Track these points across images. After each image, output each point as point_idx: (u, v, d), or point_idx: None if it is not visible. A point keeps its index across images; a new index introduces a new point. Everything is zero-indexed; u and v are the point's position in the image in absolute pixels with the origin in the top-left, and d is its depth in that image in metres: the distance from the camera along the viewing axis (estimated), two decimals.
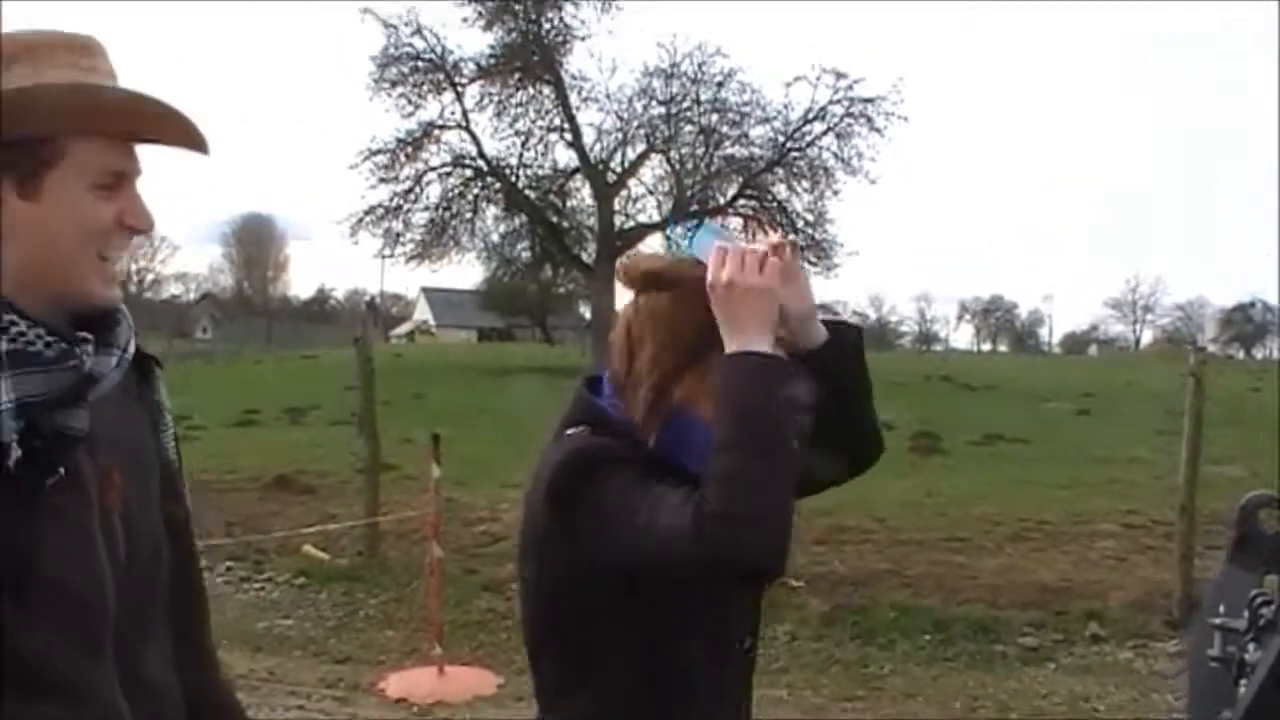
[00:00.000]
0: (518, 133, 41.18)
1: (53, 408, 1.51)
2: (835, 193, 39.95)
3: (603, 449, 1.96)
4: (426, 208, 41.33)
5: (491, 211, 42.35)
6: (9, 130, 1.51)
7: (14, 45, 1.55)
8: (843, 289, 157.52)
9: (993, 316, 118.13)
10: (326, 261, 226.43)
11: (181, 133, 1.67)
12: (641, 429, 2.00)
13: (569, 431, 2.02)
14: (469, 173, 41.43)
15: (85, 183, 1.57)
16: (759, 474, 1.80)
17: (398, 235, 41.38)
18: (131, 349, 1.69)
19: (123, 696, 1.63)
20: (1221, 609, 1.59)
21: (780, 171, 40.28)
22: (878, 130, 38.74)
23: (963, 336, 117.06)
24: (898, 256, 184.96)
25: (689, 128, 40.31)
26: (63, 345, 1.52)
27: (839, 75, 38.61)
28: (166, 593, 1.78)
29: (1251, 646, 1.51)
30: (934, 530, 10.69)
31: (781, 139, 39.63)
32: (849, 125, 38.91)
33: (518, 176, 41.41)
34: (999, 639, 7.95)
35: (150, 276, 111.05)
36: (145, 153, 1.68)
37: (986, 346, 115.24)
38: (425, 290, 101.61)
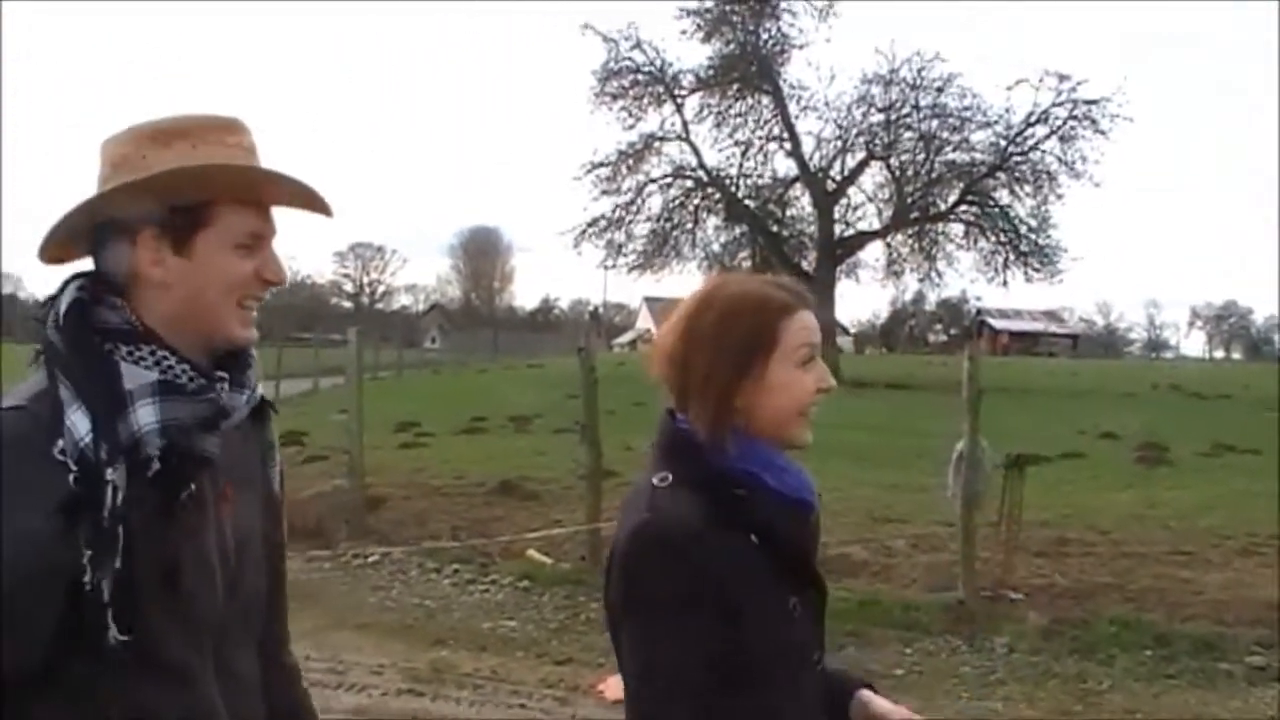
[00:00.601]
0: (737, 143, 41.42)
1: (190, 433, 1.78)
2: (1059, 197, 39.15)
3: (666, 535, 1.98)
4: (648, 218, 41.85)
5: (712, 221, 42.67)
6: (171, 199, 1.80)
7: (173, 128, 1.84)
8: (1068, 295, 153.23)
9: (1226, 323, 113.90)
10: (550, 272, 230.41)
11: (307, 200, 1.95)
12: (709, 441, 2.05)
13: (655, 480, 2.06)
14: (689, 183, 41.78)
15: (229, 243, 1.85)
16: None
17: (620, 246, 41.99)
18: (260, 390, 1.98)
19: (216, 687, 1.89)
20: None
21: (1002, 176, 39.56)
22: (1102, 132, 37.87)
23: (1194, 344, 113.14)
24: (1126, 261, 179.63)
25: (909, 134, 39.89)
26: (203, 380, 1.81)
27: (1062, 77, 37.89)
28: (262, 604, 2.06)
29: None
30: (1158, 543, 10.37)
31: (1003, 143, 38.97)
32: (1072, 128, 38.05)
33: (737, 186, 41.59)
34: (1224, 657, 7.66)
35: (381, 288, 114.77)
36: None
37: (1219, 354, 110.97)
38: (647, 299, 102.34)
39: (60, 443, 1.69)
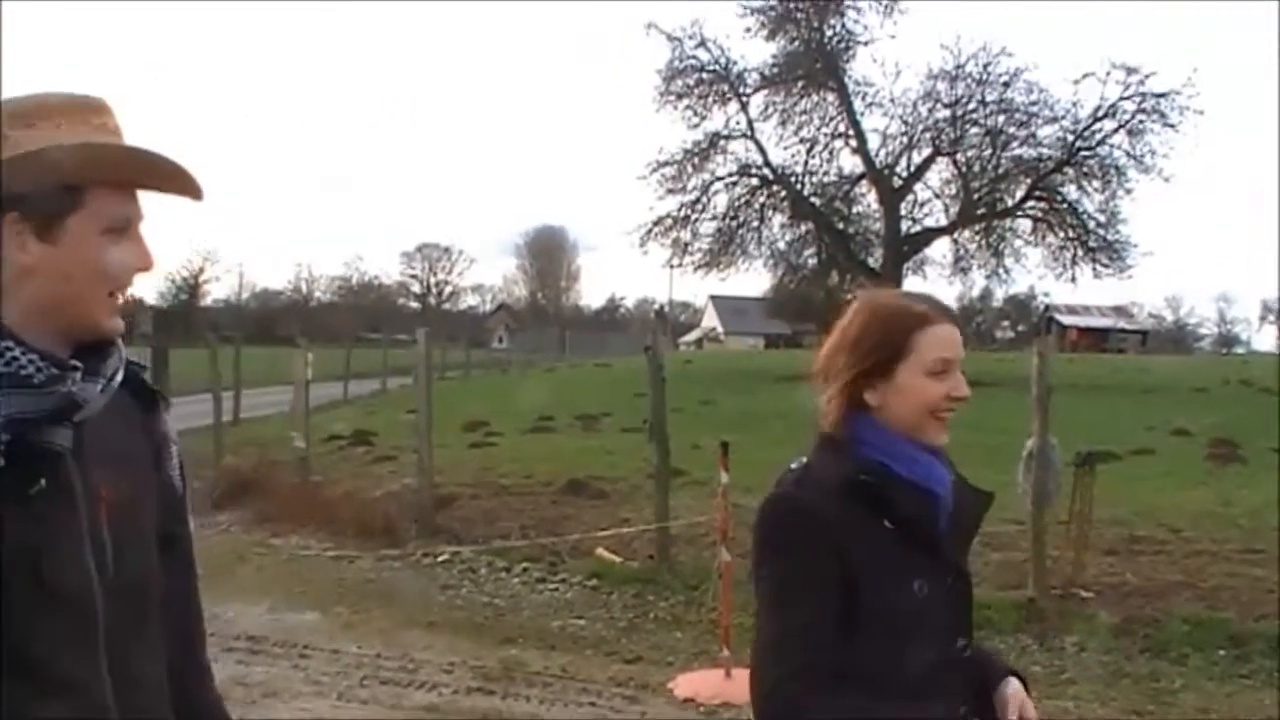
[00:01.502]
0: (802, 140, 41.22)
1: (39, 425, 1.69)
2: (1128, 191, 38.58)
3: (790, 506, 2.27)
4: (714, 217, 41.74)
5: (778, 219, 42.48)
6: (33, 183, 1.70)
7: (35, 107, 1.75)
8: (1138, 291, 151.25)
9: None
10: (616, 271, 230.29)
11: (178, 181, 1.85)
12: (837, 430, 2.30)
13: (791, 465, 2.33)
14: (755, 181, 41.63)
15: (98, 228, 1.75)
16: None
17: (686, 245, 41.88)
18: (118, 378, 1.85)
19: (111, 692, 1.79)
20: None
21: (1070, 171, 39.10)
22: (1171, 126, 37.25)
23: (1266, 338, 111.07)
24: (1196, 256, 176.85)
25: (975, 129, 39.55)
26: (53, 371, 1.70)
27: (1130, 70, 37.32)
28: (157, 604, 1.94)
29: None
30: (1230, 541, 10.23)
31: (1071, 138, 38.50)
32: (1141, 122, 37.51)
33: (803, 184, 41.42)
34: None
35: (448, 289, 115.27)
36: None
37: None
38: (713, 298, 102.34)
39: None
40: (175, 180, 1.85)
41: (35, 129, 1.73)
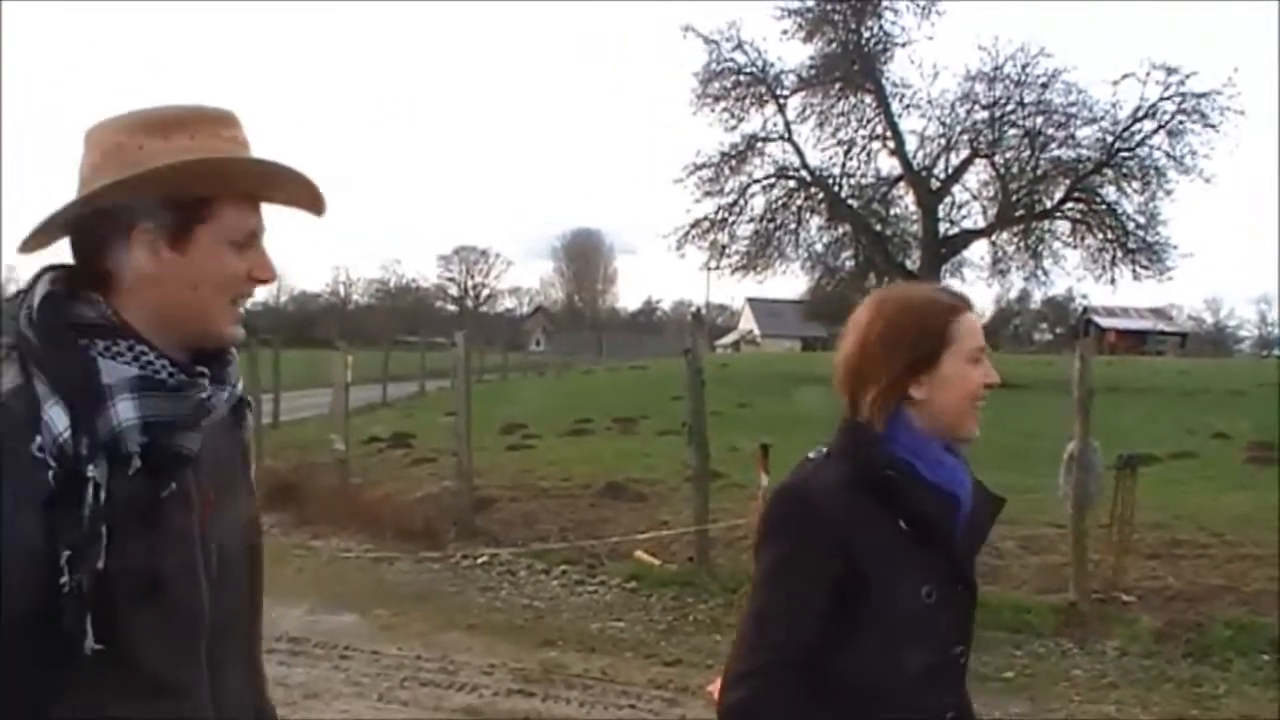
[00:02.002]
0: (840, 142, 41.16)
1: (172, 430, 1.73)
2: (1168, 193, 38.33)
3: (803, 494, 2.23)
4: (751, 219, 41.70)
5: (815, 221, 42.40)
6: (166, 193, 1.75)
7: (170, 120, 1.79)
8: (1177, 293, 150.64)
9: None
10: (653, 274, 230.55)
11: (302, 195, 1.92)
12: (872, 422, 2.24)
13: (811, 455, 2.31)
14: (792, 184, 41.59)
15: (225, 239, 1.80)
16: None
17: (723, 247, 41.88)
18: (240, 386, 1.93)
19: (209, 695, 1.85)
20: None
21: (1109, 173, 38.85)
22: (1212, 126, 36.96)
23: None
24: (1236, 257, 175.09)
25: (1013, 131, 39.39)
26: (184, 377, 1.76)
27: (1170, 70, 37.08)
28: (248, 613, 2.02)
29: None
30: (1272, 545, 10.11)
31: (1110, 139, 38.27)
32: (1181, 122, 37.25)
33: (841, 186, 41.34)
34: None
35: (486, 291, 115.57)
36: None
37: None
38: (750, 301, 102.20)
39: (38, 439, 1.64)
40: (300, 195, 1.91)
41: (170, 141, 1.76)
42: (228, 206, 1.80)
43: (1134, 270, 39.47)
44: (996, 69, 38.92)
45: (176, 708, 1.79)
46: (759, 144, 41.11)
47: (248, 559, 2.02)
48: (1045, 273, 42.21)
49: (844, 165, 41.38)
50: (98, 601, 1.65)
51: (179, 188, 1.75)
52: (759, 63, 40.55)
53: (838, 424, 2.31)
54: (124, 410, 1.69)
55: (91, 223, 1.77)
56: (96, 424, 1.67)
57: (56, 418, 1.65)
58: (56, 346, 1.70)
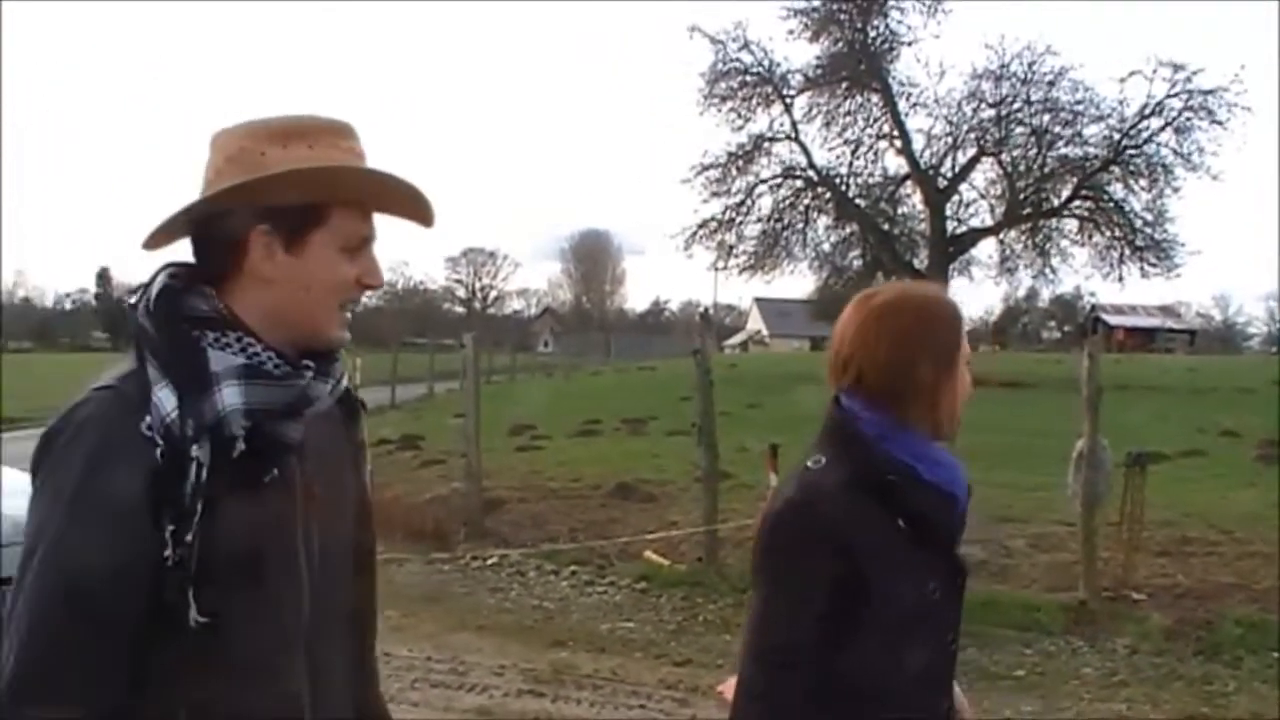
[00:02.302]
0: (847, 142, 41.18)
1: (275, 417, 1.82)
2: (1175, 190, 38.30)
3: (807, 506, 2.19)
4: (758, 219, 41.74)
5: (823, 221, 42.43)
6: (285, 199, 1.84)
7: (291, 129, 1.88)
8: (1186, 290, 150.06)
9: None
10: (661, 275, 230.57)
11: (413, 206, 1.99)
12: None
13: (809, 463, 2.24)
14: (799, 183, 41.61)
15: (338, 245, 1.89)
16: None
17: (730, 247, 41.92)
18: (344, 381, 2.01)
19: (307, 689, 1.91)
20: None
21: (1116, 170, 38.83)
22: (1219, 123, 36.93)
23: None
24: (1245, 254, 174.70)
25: (1020, 129, 39.36)
26: (288, 368, 1.85)
27: (1176, 67, 37.05)
28: (349, 608, 2.08)
29: None
30: None
31: (1117, 136, 38.26)
32: (1188, 119, 37.23)
33: (848, 185, 41.36)
34: None
35: (494, 293, 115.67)
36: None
37: None
38: (758, 300, 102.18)
39: (147, 419, 1.74)
40: (411, 206, 1.99)
41: (289, 149, 1.85)
42: (341, 213, 1.88)
43: (1142, 268, 39.45)
44: (1003, 67, 38.93)
45: (272, 691, 1.86)
46: (766, 144, 41.15)
47: (356, 558, 2.09)
48: (1053, 271, 42.21)
49: (851, 165, 41.44)
50: (199, 575, 1.73)
51: (297, 193, 1.84)
52: (765, 62, 40.60)
53: (827, 422, 2.30)
54: (229, 396, 1.78)
55: (212, 223, 1.86)
56: (203, 408, 1.76)
57: (165, 399, 1.75)
58: (169, 335, 1.80)
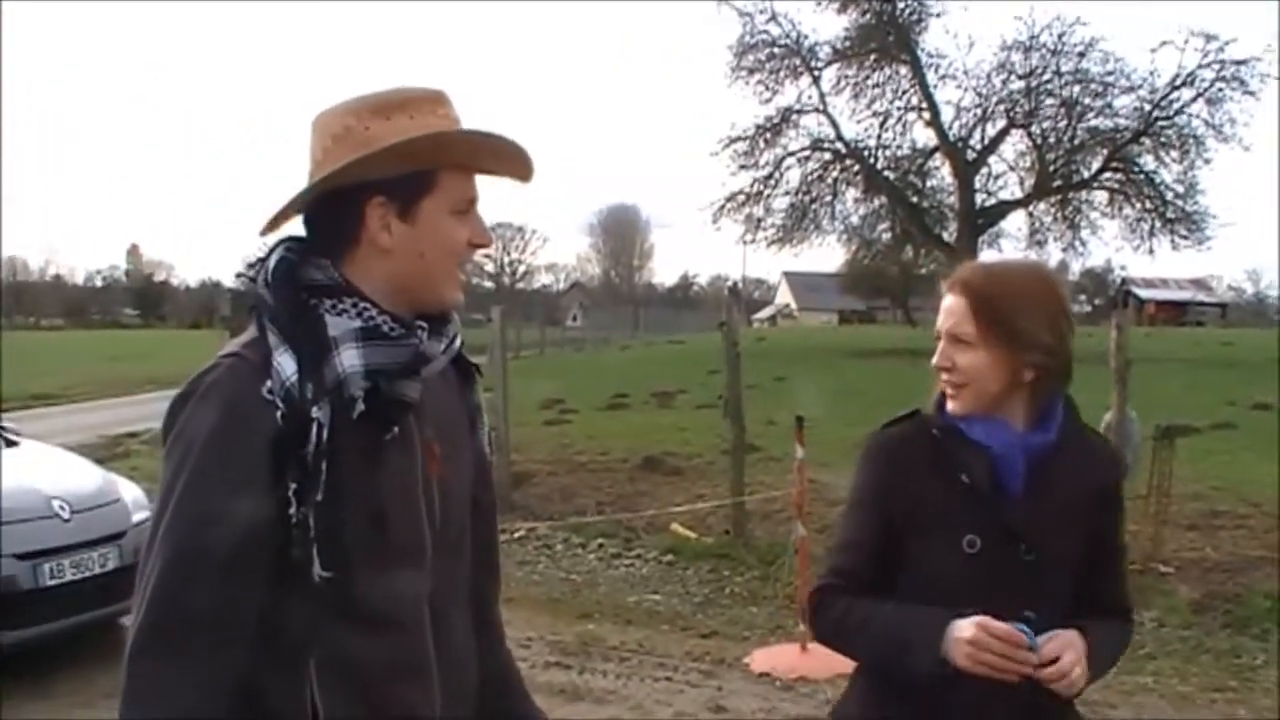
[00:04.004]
0: (875, 114, 41.01)
1: (393, 377, 1.87)
2: (1207, 161, 38.04)
3: (882, 441, 2.47)
4: (786, 192, 41.64)
5: (851, 194, 42.27)
6: (394, 169, 1.89)
7: (389, 102, 1.93)
8: (1217, 263, 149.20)
9: None
10: (690, 248, 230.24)
11: (516, 162, 2.04)
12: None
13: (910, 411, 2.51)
14: (828, 156, 41.47)
15: (449, 208, 1.95)
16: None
17: (759, 220, 41.88)
18: (458, 342, 2.07)
19: (431, 642, 1.97)
20: None
21: (1147, 142, 38.53)
22: (1251, 93, 36.61)
23: None
24: (1277, 225, 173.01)
25: (1050, 101, 39.08)
26: (403, 329, 1.90)
27: (1208, 38, 36.73)
28: (469, 564, 2.13)
29: None
30: None
31: (1148, 108, 37.95)
32: (1220, 90, 36.89)
33: (876, 158, 41.18)
34: None
35: (522, 268, 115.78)
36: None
37: None
38: (787, 274, 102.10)
39: (268, 383, 1.80)
40: (514, 162, 2.04)
41: (391, 121, 1.90)
42: (449, 178, 1.95)
43: (1173, 240, 39.23)
44: (1033, 38, 38.69)
45: (397, 644, 1.92)
46: (794, 116, 41.05)
47: (477, 516, 2.16)
48: (1083, 243, 42.07)
49: (879, 137, 41.26)
50: (324, 533, 1.80)
51: (406, 163, 1.89)
52: (793, 35, 40.47)
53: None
54: (348, 359, 1.84)
55: (327, 200, 1.92)
56: (323, 371, 1.83)
57: (285, 364, 1.82)
58: (287, 303, 1.87)
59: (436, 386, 1.99)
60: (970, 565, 2.28)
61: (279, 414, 1.79)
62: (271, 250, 1.94)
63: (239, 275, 1.98)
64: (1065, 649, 2.18)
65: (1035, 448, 2.33)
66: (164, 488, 1.81)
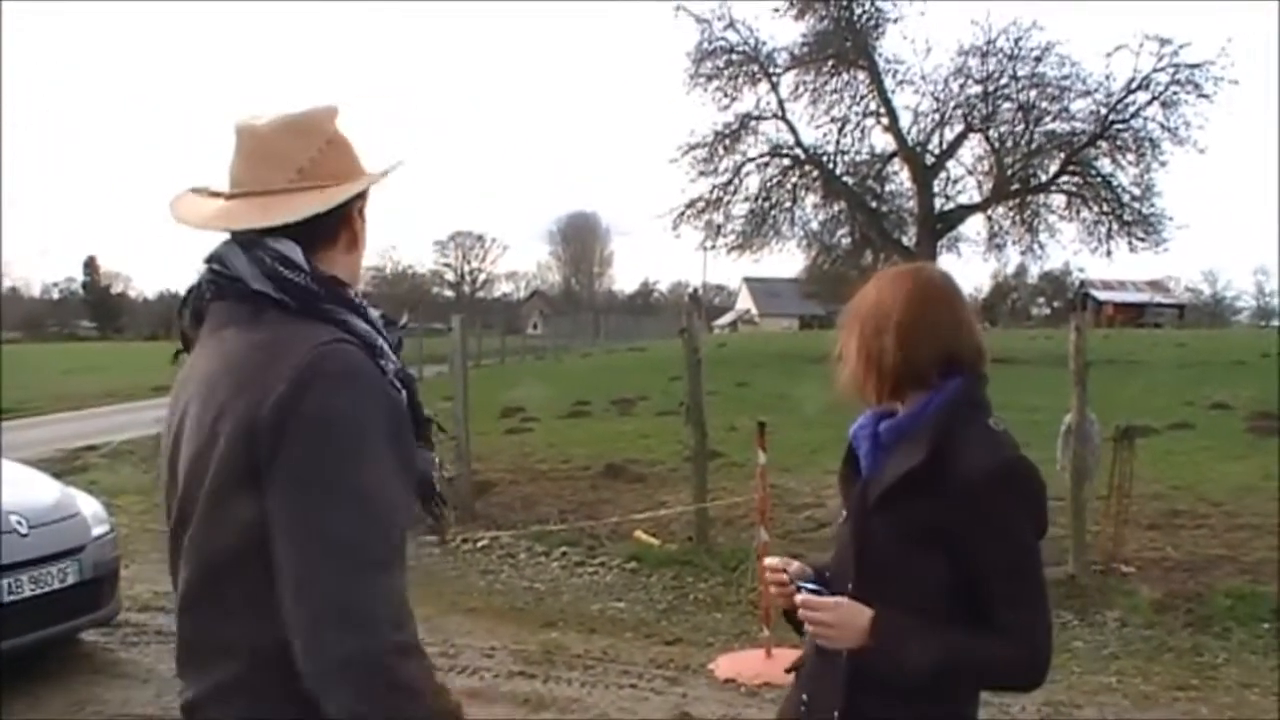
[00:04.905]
0: (834, 119, 41.07)
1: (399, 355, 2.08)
2: (1162, 164, 38.21)
3: (1030, 470, 2.47)
4: (746, 198, 41.67)
5: (810, 199, 42.34)
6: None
7: (332, 111, 2.12)
8: (1174, 264, 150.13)
9: None
10: (650, 255, 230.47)
11: None
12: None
13: (990, 422, 2.48)
14: (787, 162, 41.53)
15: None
16: None
17: (719, 227, 41.86)
18: None
19: None
20: None
21: (1104, 145, 38.76)
22: (1206, 97, 36.86)
23: None
24: (1233, 228, 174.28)
25: (1007, 105, 39.27)
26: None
27: (1163, 41, 36.99)
28: None
29: None
30: (1273, 515, 10.13)
31: (1104, 111, 38.15)
32: (1175, 93, 37.13)
33: (835, 163, 41.26)
34: None
35: (482, 276, 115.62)
36: None
37: None
38: (747, 280, 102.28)
39: (382, 364, 1.95)
40: None
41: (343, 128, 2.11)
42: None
43: (1130, 242, 39.44)
44: (989, 43, 38.84)
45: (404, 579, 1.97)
46: (753, 123, 41.05)
47: None
48: (1041, 246, 42.21)
49: (838, 142, 41.33)
50: (439, 490, 2.13)
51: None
52: (751, 41, 40.50)
53: (965, 390, 2.50)
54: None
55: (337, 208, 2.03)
56: (398, 355, 2.05)
57: (386, 348, 2.00)
58: (338, 295, 1.98)
59: None
60: (838, 534, 2.58)
61: (405, 395, 1.98)
62: (244, 247, 1.98)
63: (216, 272, 2.01)
64: (834, 607, 2.38)
65: (883, 434, 2.51)
66: (347, 457, 1.82)
